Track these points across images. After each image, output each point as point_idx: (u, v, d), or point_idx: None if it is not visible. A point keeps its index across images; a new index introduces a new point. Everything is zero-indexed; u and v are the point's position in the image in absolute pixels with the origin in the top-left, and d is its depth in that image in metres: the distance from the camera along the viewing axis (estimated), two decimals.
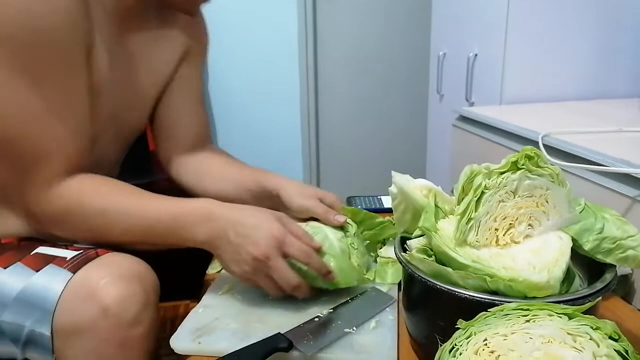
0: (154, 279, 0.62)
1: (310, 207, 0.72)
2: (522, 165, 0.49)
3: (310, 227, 0.69)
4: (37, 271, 0.60)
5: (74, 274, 0.58)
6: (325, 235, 0.68)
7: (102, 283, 0.57)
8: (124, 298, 0.57)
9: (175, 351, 0.58)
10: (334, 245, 0.67)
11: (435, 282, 0.48)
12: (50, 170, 0.61)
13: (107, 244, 0.64)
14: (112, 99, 0.69)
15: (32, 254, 0.63)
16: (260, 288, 0.63)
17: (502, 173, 0.49)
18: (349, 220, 0.73)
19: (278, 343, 0.54)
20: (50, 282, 0.59)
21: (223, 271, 0.76)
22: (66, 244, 0.67)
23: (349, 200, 1.07)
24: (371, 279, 0.71)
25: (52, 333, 0.57)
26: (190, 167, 0.85)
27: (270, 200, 0.76)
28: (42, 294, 0.58)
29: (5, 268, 0.61)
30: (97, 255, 0.62)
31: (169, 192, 0.97)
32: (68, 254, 0.62)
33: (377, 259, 0.75)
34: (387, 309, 0.64)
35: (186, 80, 0.83)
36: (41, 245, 0.65)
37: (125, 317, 0.57)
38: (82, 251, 0.63)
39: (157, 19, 0.76)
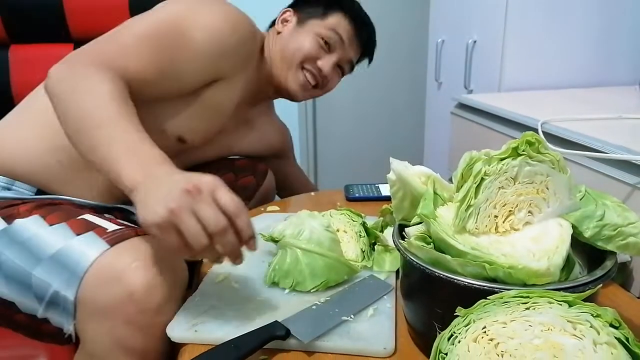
0: (183, 271, 0.63)
1: None
2: (523, 151, 0.48)
3: (293, 221, 0.69)
4: (78, 235, 0.62)
5: (111, 246, 0.59)
6: (312, 229, 0.67)
7: (133, 266, 0.57)
8: (151, 285, 0.57)
9: (172, 339, 0.57)
10: (321, 240, 0.66)
11: (433, 269, 0.48)
12: (118, 64, 0.67)
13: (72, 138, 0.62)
14: (215, 124, 0.87)
15: (78, 218, 0.66)
16: (177, 241, 0.51)
17: (502, 159, 0.48)
18: (355, 211, 0.77)
19: (275, 331, 0.54)
20: (87, 248, 0.60)
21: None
22: (111, 217, 0.71)
23: (347, 188, 1.07)
24: (361, 268, 0.70)
25: (75, 300, 0.58)
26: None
27: None
28: (75, 257, 0.59)
29: (50, 225, 0.64)
30: (137, 235, 0.63)
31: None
32: (110, 226, 0.65)
33: (375, 247, 0.75)
34: (384, 296, 0.64)
35: (289, 160, 1.22)
36: (88, 213, 0.69)
37: (149, 304, 0.57)
38: (123, 227, 0.65)
39: (267, 112, 1.11)
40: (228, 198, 0.52)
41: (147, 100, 0.72)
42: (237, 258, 0.54)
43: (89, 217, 0.67)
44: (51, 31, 1.20)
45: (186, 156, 0.88)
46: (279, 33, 0.93)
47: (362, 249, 0.72)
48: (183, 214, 0.49)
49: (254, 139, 1.05)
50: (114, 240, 0.61)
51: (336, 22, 0.93)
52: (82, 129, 0.60)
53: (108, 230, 0.63)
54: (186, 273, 0.64)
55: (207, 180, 0.52)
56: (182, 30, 0.74)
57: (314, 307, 0.60)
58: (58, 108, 0.63)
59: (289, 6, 0.97)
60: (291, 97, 0.99)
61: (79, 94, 0.62)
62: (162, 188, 0.51)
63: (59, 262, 0.60)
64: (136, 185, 0.54)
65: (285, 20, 0.94)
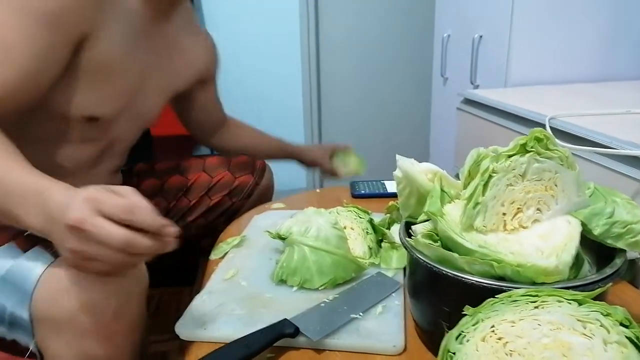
0: (139, 270, 0.59)
1: (322, 164, 1.15)
2: (531, 147, 0.47)
3: (300, 219, 0.69)
4: (25, 252, 0.59)
5: (56, 258, 0.57)
6: (319, 227, 0.67)
7: (82, 275, 0.53)
8: (105, 292, 0.54)
9: (181, 337, 0.58)
10: (328, 237, 0.67)
11: (441, 267, 0.47)
12: None
13: None
14: (129, 80, 0.74)
15: (25, 234, 0.62)
16: (104, 268, 0.49)
17: (510, 156, 0.48)
18: (362, 208, 0.78)
19: (284, 329, 0.54)
20: (33, 264, 0.57)
21: (227, 257, 0.76)
22: None
23: (353, 185, 1.06)
24: (368, 265, 0.70)
25: (31, 317, 0.56)
26: (227, 141, 1.11)
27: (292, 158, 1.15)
28: (23, 275, 0.57)
29: None
30: None
31: (169, 171, 1.00)
32: None
33: (382, 244, 0.75)
34: (393, 294, 0.64)
35: (211, 90, 1.03)
36: None
37: (106, 312, 0.54)
38: None
39: (188, 28, 0.88)
40: (110, 205, 0.46)
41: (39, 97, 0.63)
42: (165, 246, 0.49)
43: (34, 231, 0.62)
44: None
45: (119, 127, 0.77)
46: None
47: (369, 246, 0.72)
48: (83, 249, 0.46)
49: (180, 67, 0.87)
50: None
51: None
52: None
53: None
54: (142, 266, 0.59)
55: (81, 202, 0.46)
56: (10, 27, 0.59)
57: (322, 304, 0.60)
58: None
59: None
60: None
61: None
62: (56, 231, 0.48)
63: (9, 282, 0.58)
64: (42, 231, 0.50)
65: None
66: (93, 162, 0.78)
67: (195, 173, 1.01)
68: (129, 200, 0.47)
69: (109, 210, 0.46)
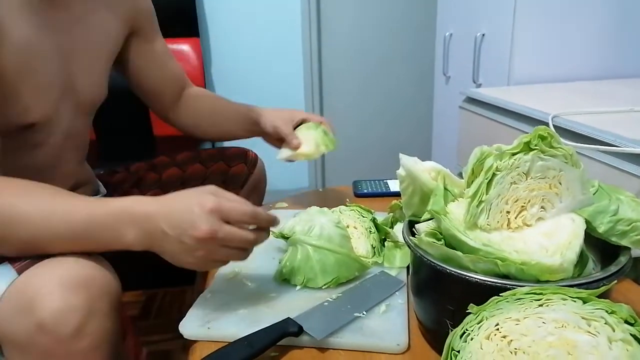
0: (106, 283, 0.56)
1: (279, 126, 0.89)
2: (535, 145, 0.47)
3: (303, 218, 0.69)
4: None
5: (19, 274, 0.54)
6: (322, 226, 0.67)
7: (41, 293, 0.51)
8: (62, 310, 0.51)
9: (184, 336, 0.58)
10: (331, 236, 0.67)
11: (444, 266, 0.47)
12: None
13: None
14: (48, 73, 0.67)
15: None
16: (223, 264, 0.59)
17: (514, 154, 0.48)
18: (365, 207, 0.77)
19: (288, 327, 0.54)
20: None
21: None
22: None
23: (355, 184, 1.06)
24: (372, 264, 0.70)
25: None
26: (185, 115, 0.97)
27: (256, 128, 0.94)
28: None
29: None
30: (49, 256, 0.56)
31: (166, 165, 0.99)
32: None
33: (385, 243, 0.75)
34: (396, 292, 0.63)
35: (154, 46, 0.90)
36: None
37: (64, 332, 0.51)
38: None
39: None
40: (236, 213, 0.55)
41: None
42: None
43: None
44: None
45: (63, 120, 0.73)
46: None
47: (372, 245, 0.72)
48: (214, 254, 0.55)
49: (102, 27, 0.77)
50: (24, 267, 0.55)
51: None
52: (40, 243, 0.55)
53: (22, 257, 0.57)
54: (110, 279, 0.57)
55: (207, 215, 0.53)
56: None
57: (325, 303, 0.60)
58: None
59: None
60: None
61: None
62: (171, 243, 0.54)
63: None
64: (141, 245, 0.55)
65: None
66: (55, 160, 0.74)
67: (190, 164, 1.00)
68: (246, 203, 0.56)
69: (237, 217, 0.55)
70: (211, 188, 0.58)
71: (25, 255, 0.56)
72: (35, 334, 0.51)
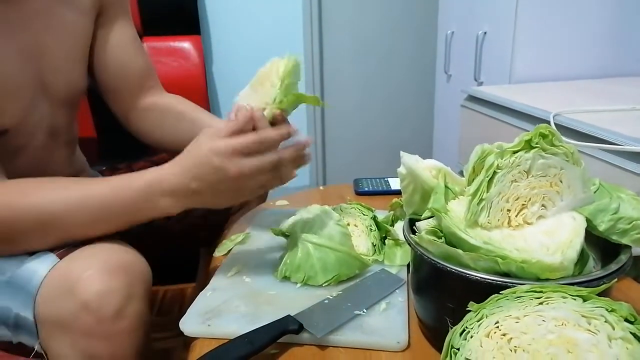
0: (142, 269, 0.60)
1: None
2: (536, 143, 0.47)
3: (304, 216, 0.69)
4: (31, 255, 0.60)
5: (61, 259, 0.58)
6: (322, 224, 0.67)
7: (84, 276, 0.55)
8: (105, 292, 0.55)
9: (185, 333, 0.58)
10: (332, 234, 0.67)
11: (445, 264, 0.47)
12: None
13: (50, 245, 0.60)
14: (13, 69, 0.64)
15: None
16: (260, 187, 0.62)
17: (515, 152, 0.48)
18: (365, 205, 0.77)
19: (288, 325, 0.54)
20: (38, 265, 0.58)
21: (231, 253, 0.76)
22: None
23: (356, 182, 1.06)
24: (372, 262, 0.70)
25: (35, 318, 0.57)
26: (143, 119, 0.86)
27: None
28: (28, 277, 0.58)
29: None
30: (87, 243, 0.60)
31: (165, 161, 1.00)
32: None
33: (386, 241, 0.74)
34: (396, 290, 0.63)
35: (116, 33, 0.80)
36: None
37: (106, 312, 0.55)
38: None
39: None
40: (249, 145, 0.58)
41: None
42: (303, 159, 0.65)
43: None
44: None
45: (43, 119, 0.72)
46: None
47: (373, 243, 0.72)
48: (246, 166, 0.58)
49: (56, 32, 0.71)
50: (64, 253, 0.59)
51: None
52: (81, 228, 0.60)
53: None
54: (146, 266, 0.61)
55: (226, 139, 0.58)
56: None
57: (326, 301, 0.60)
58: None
59: None
60: None
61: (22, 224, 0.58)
62: (208, 194, 0.59)
63: (15, 284, 0.59)
64: (179, 208, 0.60)
65: None
66: (42, 162, 0.74)
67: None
68: (252, 134, 0.59)
69: (254, 148, 0.58)
70: (208, 131, 0.61)
71: (67, 244, 0.59)
72: (79, 314, 0.55)
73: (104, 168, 0.98)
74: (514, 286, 0.42)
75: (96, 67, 0.81)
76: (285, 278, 0.67)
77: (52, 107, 0.72)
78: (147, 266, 0.61)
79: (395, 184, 1.03)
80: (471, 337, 0.39)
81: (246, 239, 0.81)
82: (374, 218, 0.76)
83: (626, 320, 0.36)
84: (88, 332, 0.55)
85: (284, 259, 0.68)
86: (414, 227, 0.57)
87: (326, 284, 0.65)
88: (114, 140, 1.82)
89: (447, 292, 0.49)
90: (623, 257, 0.47)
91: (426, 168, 0.58)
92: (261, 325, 0.54)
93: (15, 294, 0.58)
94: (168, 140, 0.85)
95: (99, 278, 0.55)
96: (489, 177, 0.48)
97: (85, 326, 0.55)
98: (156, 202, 0.59)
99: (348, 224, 0.73)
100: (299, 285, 0.65)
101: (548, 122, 0.91)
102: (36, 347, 0.59)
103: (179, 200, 0.60)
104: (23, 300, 0.58)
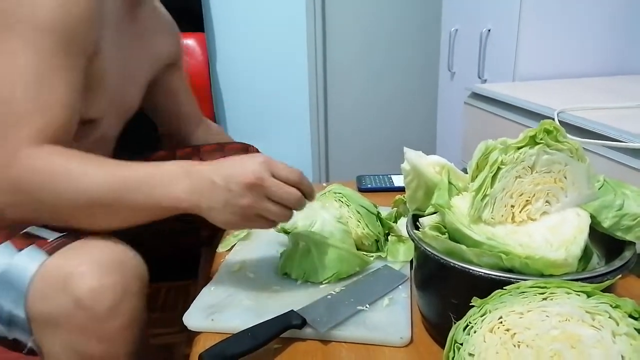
0: (137, 266, 0.59)
1: None
2: (541, 139, 0.47)
3: (305, 213, 0.69)
4: (20, 250, 0.59)
5: (50, 255, 0.56)
6: (323, 221, 0.67)
7: (77, 272, 0.54)
8: (98, 289, 0.53)
9: (188, 328, 0.58)
10: (332, 231, 0.67)
11: (448, 259, 0.47)
12: (26, 133, 0.58)
13: (73, 225, 0.59)
14: (115, 79, 0.73)
15: (21, 233, 0.62)
16: (264, 223, 0.59)
17: (519, 148, 0.48)
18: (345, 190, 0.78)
19: (291, 320, 0.54)
20: (27, 262, 0.57)
21: (234, 249, 0.77)
22: (54, 225, 0.64)
23: (359, 179, 1.06)
24: (374, 259, 0.71)
25: (27, 315, 0.56)
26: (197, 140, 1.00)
27: None
28: (18, 274, 0.57)
29: None
30: (79, 237, 0.59)
31: (167, 158, 1.01)
32: (51, 235, 0.61)
33: (389, 237, 0.74)
34: (399, 286, 0.64)
35: (179, 70, 0.97)
36: (33, 225, 0.63)
37: (99, 310, 0.53)
38: (65, 233, 0.61)
39: (153, 14, 0.87)
40: (286, 170, 0.57)
41: None
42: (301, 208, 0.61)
43: (31, 229, 0.63)
44: None
45: (106, 123, 0.79)
46: None
47: (366, 224, 0.72)
48: (260, 204, 0.56)
49: (150, 53, 0.86)
50: (54, 248, 0.57)
51: None
52: (100, 206, 0.58)
53: (49, 240, 0.60)
54: (140, 262, 0.60)
55: (260, 164, 0.56)
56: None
57: (329, 296, 0.61)
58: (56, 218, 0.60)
59: None
60: None
61: (52, 186, 0.57)
62: (218, 194, 0.56)
63: (5, 281, 0.57)
64: (189, 199, 0.57)
65: None
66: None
67: (190, 159, 1.00)
68: (294, 168, 0.58)
69: (285, 174, 0.57)
70: (264, 156, 0.60)
71: (82, 219, 0.59)
72: (71, 311, 0.54)
73: None
74: (518, 282, 0.42)
75: (161, 98, 0.95)
76: (286, 274, 0.67)
77: (115, 114, 0.79)
78: (142, 262, 0.59)
79: (398, 180, 1.03)
80: (474, 332, 0.39)
81: (249, 235, 0.81)
82: (378, 215, 0.75)
83: (630, 316, 0.36)
84: (81, 330, 0.54)
85: (285, 255, 0.68)
86: (418, 223, 0.57)
87: (326, 281, 0.65)
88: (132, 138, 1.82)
89: (451, 287, 0.49)
90: (627, 254, 0.47)
91: (430, 164, 0.58)
92: (264, 320, 0.54)
93: (7, 292, 0.57)
94: None
95: (93, 274, 0.54)
96: (493, 173, 0.48)
97: (78, 323, 0.54)
98: (174, 183, 0.57)
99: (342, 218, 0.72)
100: (299, 281, 0.65)
101: (552, 119, 0.91)
102: (29, 344, 0.58)
103: (194, 191, 0.57)
104: (14, 297, 0.56)
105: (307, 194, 0.59)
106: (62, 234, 0.61)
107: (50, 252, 0.57)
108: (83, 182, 0.57)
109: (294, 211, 0.60)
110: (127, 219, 0.59)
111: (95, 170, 0.57)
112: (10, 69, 0.60)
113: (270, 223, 0.59)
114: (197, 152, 1.00)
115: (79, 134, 0.71)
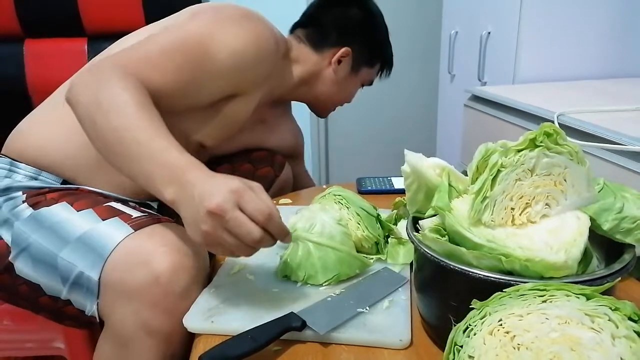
0: (205, 258, 0.64)
1: None
2: (541, 142, 0.47)
3: (305, 215, 0.69)
4: (104, 220, 0.65)
5: (135, 231, 0.62)
6: (323, 223, 0.67)
7: (160, 250, 0.59)
8: (177, 269, 0.59)
9: (188, 330, 0.58)
10: (333, 233, 0.66)
11: (448, 262, 0.47)
12: (128, 63, 0.66)
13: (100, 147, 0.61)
14: (237, 125, 0.86)
15: (104, 205, 0.69)
16: (225, 252, 0.55)
17: (519, 151, 0.48)
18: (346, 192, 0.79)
19: (291, 322, 0.54)
20: (113, 231, 0.63)
21: None
22: (135, 205, 0.75)
23: (359, 182, 1.06)
24: (374, 261, 0.71)
25: (99, 281, 0.60)
26: None
27: None
28: (101, 239, 0.62)
29: (78, 211, 0.67)
30: (160, 221, 0.66)
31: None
32: (134, 213, 0.68)
33: (389, 239, 0.74)
34: (399, 288, 0.64)
35: (302, 157, 1.22)
36: (114, 202, 0.72)
37: (175, 288, 0.59)
38: (147, 214, 0.68)
39: (286, 112, 1.13)
40: (253, 206, 0.52)
41: (165, 112, 0.67)
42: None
43: (114, 204, 0.70)
44: (65, 25, 1.22)
45: (204, 154, 0.90)
46: (331, 65, 0.99)
47: (366, 226, 0.72)
48: (217, 234, 0.52)
49: (270, 138, 1.07)
50: (138, 225, 0.63)
51: (378, 68, 1.09)
52: (110, 143, 0.59)
53: (132, 217, 0.66)
54: (207, 256, 0.66)
55: (229, 193, 0.51)
56: (207, 49, 0.73)
57: (329, 298, 0.61)
58: (83, 119, 0.62)
59: (346, 43, 1.00)
60: (317, 114, 1.13)
61: (102, 105, 0.60)
62: (191, 209, 0.53)
63: (85, 244, 0.63)
64: (172, 202, 0.56)
65: (341, 58, 0.99)
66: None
67: (219, 165, 1.03)
68: (268, 205, 0.53)
69: (251, 210, 0.52)
70: (249, 181, 0.56)
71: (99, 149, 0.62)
72: (149, 285, 0.58)
73: None
74: (517, 284, 0.42)
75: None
76: (286, 277, 0.67)
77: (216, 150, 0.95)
78: (208, 257, 0.64)
79: (398, 183, 1.03)
80: (474, 334, 0.39)
81: None
82: (378, 217, 0.75)
83: (630, 318, 0.36)
84: (154, 304, 0.58)
85: (285, 257, 0.68)
86: (418, 225, 0.57)
87: (326, 283, 0.65)
88: None
89: (451, 290, 0.49)
90: (627, 257, 0.47)
91: (430, 166, 0.58)
92: (264, 322, 0.54)
93: (84, 253, 0.62)
94: None
95: (173, 255, 0.59)
96: (493, 176, 0.48)
97: (152, 298, 0.58)
98: (165, 185, 0.56)
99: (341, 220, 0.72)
100: (299, 284, 0.65)
101: (552, 122, 0.91)
102: (93, 309, 0.62)
103: (177, 195, 0.55)
104: (92, 260, 0.61)
105: (276, 235, 0.55)
106: (143, 214, 0.69)
107: (135, 228, 0.63)
108: (112, 120, 0.59)
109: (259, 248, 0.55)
110: (128, 174, 0.60)
111: (127, 123, 0.58)
112: (185, 26, 0.74)
113: (229, 253, 0.55)
114: (225, 158, 1.06)
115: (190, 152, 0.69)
